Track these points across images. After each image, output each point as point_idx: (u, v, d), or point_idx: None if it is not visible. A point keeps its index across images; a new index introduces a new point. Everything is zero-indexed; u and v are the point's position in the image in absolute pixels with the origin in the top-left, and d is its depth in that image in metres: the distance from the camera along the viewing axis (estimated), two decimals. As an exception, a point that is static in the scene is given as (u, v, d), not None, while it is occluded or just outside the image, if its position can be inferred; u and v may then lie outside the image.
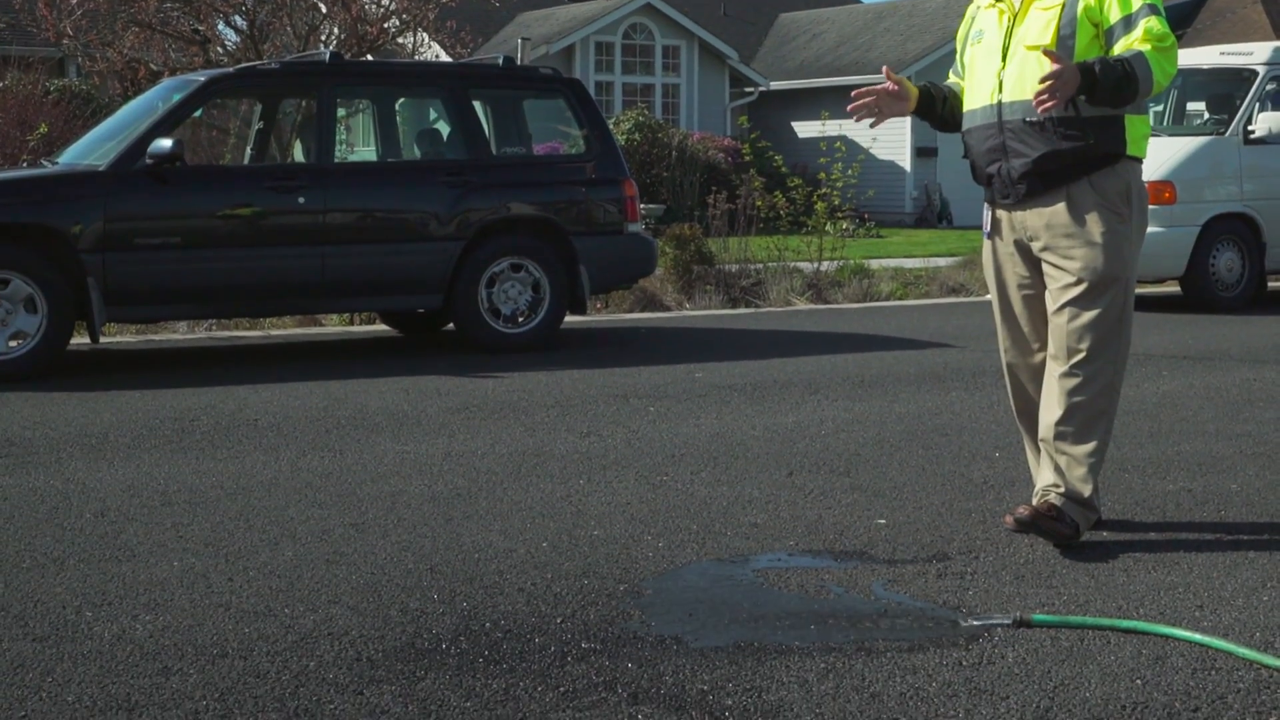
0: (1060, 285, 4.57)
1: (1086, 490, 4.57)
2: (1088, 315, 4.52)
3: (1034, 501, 4.67)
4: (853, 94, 4.80)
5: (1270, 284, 13.04)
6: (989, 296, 4.97)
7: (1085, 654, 3.61)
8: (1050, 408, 4.60)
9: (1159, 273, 12.19)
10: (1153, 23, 4.43)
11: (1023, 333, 4.77)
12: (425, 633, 3.80)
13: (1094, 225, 4.53)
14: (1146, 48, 4.38)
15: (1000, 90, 4.60)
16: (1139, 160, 4.63)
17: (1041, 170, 4.55)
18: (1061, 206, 4.56)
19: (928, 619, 3.91)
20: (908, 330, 10.66)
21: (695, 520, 4.99)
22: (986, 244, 4.85)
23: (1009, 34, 4.61)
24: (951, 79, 5.01)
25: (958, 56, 4.94)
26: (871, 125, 4.91)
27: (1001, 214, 4.74)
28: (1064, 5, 4.52)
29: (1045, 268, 4.63)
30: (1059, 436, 4.57)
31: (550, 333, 9.59)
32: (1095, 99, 4.41)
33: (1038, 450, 4.76)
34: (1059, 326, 4.57)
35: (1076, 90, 4.33)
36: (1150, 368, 8.56)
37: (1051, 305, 4.61)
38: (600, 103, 25.53)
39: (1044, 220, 4.60)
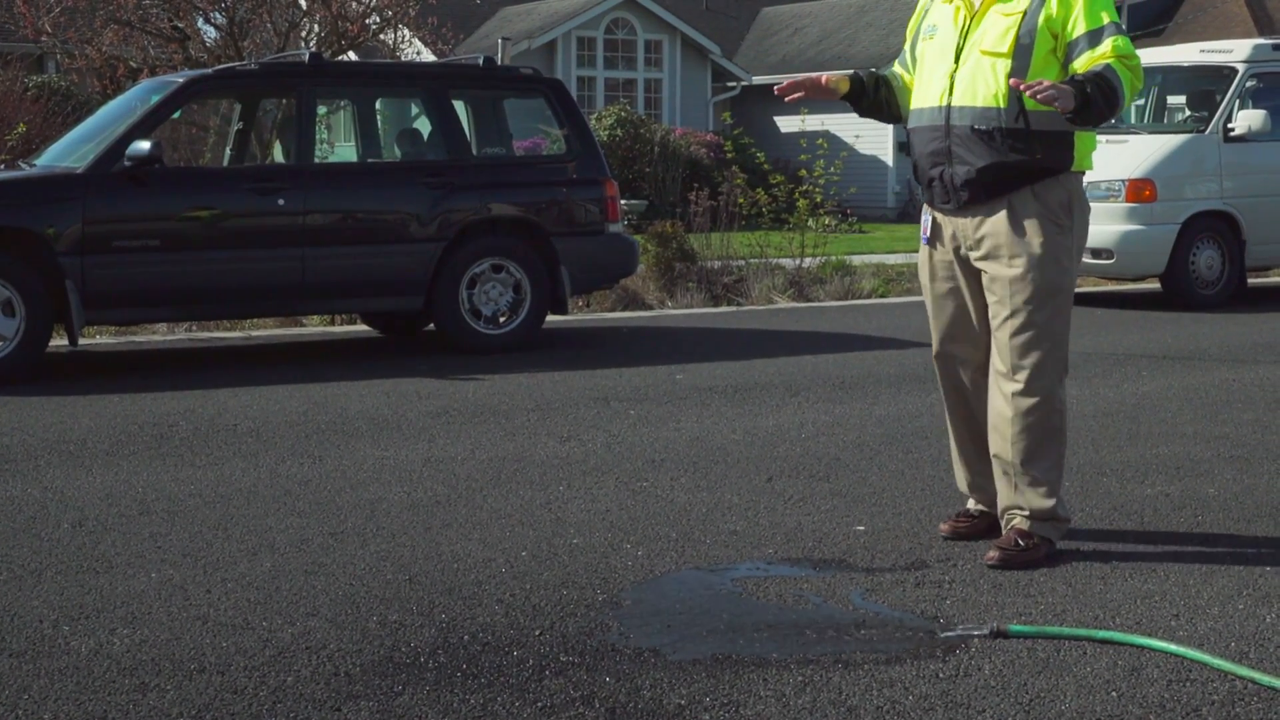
0: (1001, 297, 4.50)
1: (1051, 504, 4.55)
2: (1032, 329, 4.47)
3: (999, 516, 4.66)
4: (785, 83, 4.74)
5: (1250, 281, 13.07)
6: (923, 299, 4.91)
7: (1061, 665, 3.63)
8: (1003, 428, 4.55)
9: (1139, 270, 12.22)
10: (1120, 41, 4.39)
11: (961, 334, 4.69)
12: (403, 646, 3.80)
13: (1035, 236, 4.48)
14: (1114, 61, 4.34)
15: (950, 93, 4.53)
16: (1082, 173, 4.59)
17: (984, 180, 4.49)
18: (1003, 215, 4.50)
19: (905, 630, 3.92)
20: (889, 329, 10.67)
21: (674, 528, 4.99)
22: (924, 249, 4.76)
23: (964, 34, 4.53)
24: (895, 68, 4.89)
25: (906, 48, 4.83)
26: (789, 99, 4.79)
27: (941, 220, 4.66)
28: (1025, 13, 4.45)
29: (985, 279, 4.56)
30: (1020, 459, 4.53)
31: (531, 333, 9.58)
32: (1084, 118, 4.34)
33: (971, 452, 4.76)
34: (1002, 342, 4.51)
35: (1073, 106, 4.24)
36: (1130, 368, 8.59)
37: (994, 319, 4.54)
38: (582, 98, 25.50)
39: (985, 229, 4.53)
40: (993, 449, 4.61)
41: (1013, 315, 4.48)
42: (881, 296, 13.61)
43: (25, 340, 8.23)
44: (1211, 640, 3.80)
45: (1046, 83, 4.26)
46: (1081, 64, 4.39)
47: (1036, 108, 4.40)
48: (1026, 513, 4.54)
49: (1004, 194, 4.49)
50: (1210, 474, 5.75)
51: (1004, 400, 4.54)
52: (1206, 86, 12.52)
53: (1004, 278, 4.49)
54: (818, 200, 14.83)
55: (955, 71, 4.53)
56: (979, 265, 4.57)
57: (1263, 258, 12.56)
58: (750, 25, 31.38)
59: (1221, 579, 4.34)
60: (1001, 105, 4.44)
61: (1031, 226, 4.48)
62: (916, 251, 16.74)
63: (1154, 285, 12.66)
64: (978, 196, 4.51)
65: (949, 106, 4.53)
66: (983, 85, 4.47)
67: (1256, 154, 12.11)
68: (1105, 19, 4.42)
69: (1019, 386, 4.50)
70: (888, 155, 26.42)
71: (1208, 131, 12.08)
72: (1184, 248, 11.88)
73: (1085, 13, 4.40)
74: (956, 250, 4.63)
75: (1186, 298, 11.92)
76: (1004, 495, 4.61)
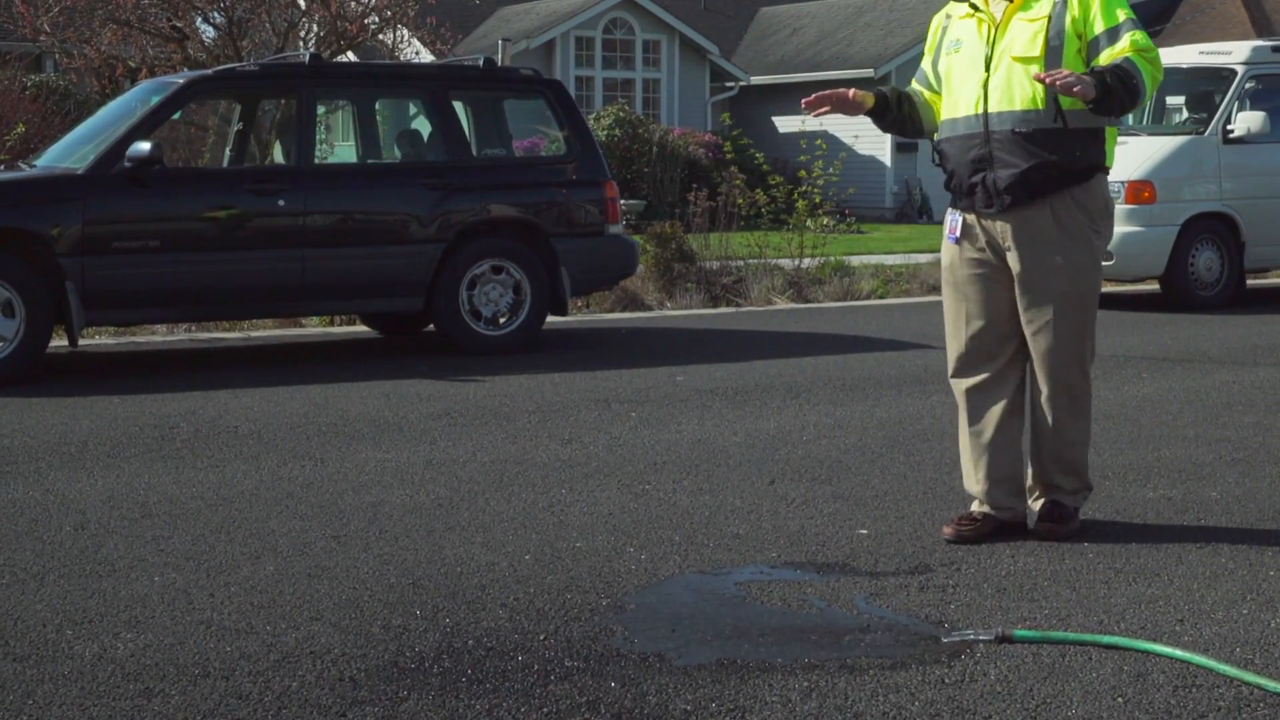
0: (1038, 299, 4.69)
1: (1081, 480, 4.87)
2: (1072, 331, 4.71)
3: (1031, 489, 4.91)
4: (813, 97, 4.82)
5: (1249, 283, 13.07)
6: (940, 298, 5.08)
7: (1067, 671, 3.62)
8: (1041, 413, 4.81)
9: (1138, 272, 12.21)
10: (1138, 35, 4.58)
11: (988, 329, 4.81)
12: (408, 651, 3.79)
13: (1074, 241, 4.68)
14: (1133, 55, 4.52)
15: (986, 101, 4.68)
16: (1107, 172, 4.78)
17: (1028, 181, 4.63)
18: (1044, 221, 4.67)
19: (910, 634, 3.92)
20: (889, 330, 10.67)
21: (677, 531, 4.99)
22: (950, 248, 4.87)
23: (992, 44, 4.68)
24: (915, 86, 5.02)
25: (927, 65, 4.96)
26: (814, 115, 4.89)
27: (972, 219, 4.79)
28: (1050, 17, 4.62)
29: (1020, 279, 4.72)
30: (1057, 445, 4.81)
31: (531, 334, 9.57)
32: (1104, 107, 4.50)
33: (984, 447, 4.86)
34: (1043, 344, 4.73)
35: (1093, 94, 4.42)
36: (1130, 370, 8.58)
37: (1030, 319, 4.73)
38: (580, 98, 25.47)
39: (1024, 232, 4.69)
40: (1038, 433, 4.85)
41: (1053, 320, 4.70)
42: (880, 298, 13.61)
43: (25, 341, 8.22)
44: (1216, 645, 3.80)
45: (1067, 71, 4.45)
46: (1103, 60, 4.56)
47: (1071, 106, 4.58)
48: (1062, 488, 4.83)
49: (1046, 195, 4.65)
50: (1213, 477, 5.75)
51: (1041, 389, 4.78)
52: (1206, 88, 12.52)
53: (1042, 280, 4.68)
54: (816, 201, 14.83)
55: (988, 80, 4.68)
56: (1014, 265, 4.73)
57: (1262, 259, 12.57)
58: (748, 25, 31.37)
59: (1226, 583, 4.34)
60: (1040, 107, 4.62)
61: (1072, 232, 4.68)
62: (915, 253, 16.65)
63: (1153, 287, 12.66)
64: (1021, 198, 4.67)
65: (986, 113, 4.68)
66: (1019, 90, 4.63)
67: (1256, 156, 12.12)
68: (1121, 16, 4.61)
69: (1056, 377, 4.74)
70: (886, 156, 26.41)
71: (1207, 133, 12.08)
72: (1183, 249, 11.89)
73: (1102, 11, 4.60)
74: (990, 246, 4.77)
75: (1185, 299, 11.93)
76: (1039, 471, 4.87)
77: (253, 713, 3.39)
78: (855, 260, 15.21)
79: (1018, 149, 4.63)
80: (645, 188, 22.75)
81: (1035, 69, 4.57)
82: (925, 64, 4.97)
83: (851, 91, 4.87)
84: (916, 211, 26.07)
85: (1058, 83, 4.41)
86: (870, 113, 4.93)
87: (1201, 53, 13.00)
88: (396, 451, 6.34)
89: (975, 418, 4.88)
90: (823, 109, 4.80)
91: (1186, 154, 11.99)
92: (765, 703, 3.44)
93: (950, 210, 4.87)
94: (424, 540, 4.87)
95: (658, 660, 3.72)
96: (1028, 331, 4.75)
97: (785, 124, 26.64)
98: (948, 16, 4.89)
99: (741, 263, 13.55)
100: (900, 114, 4.95)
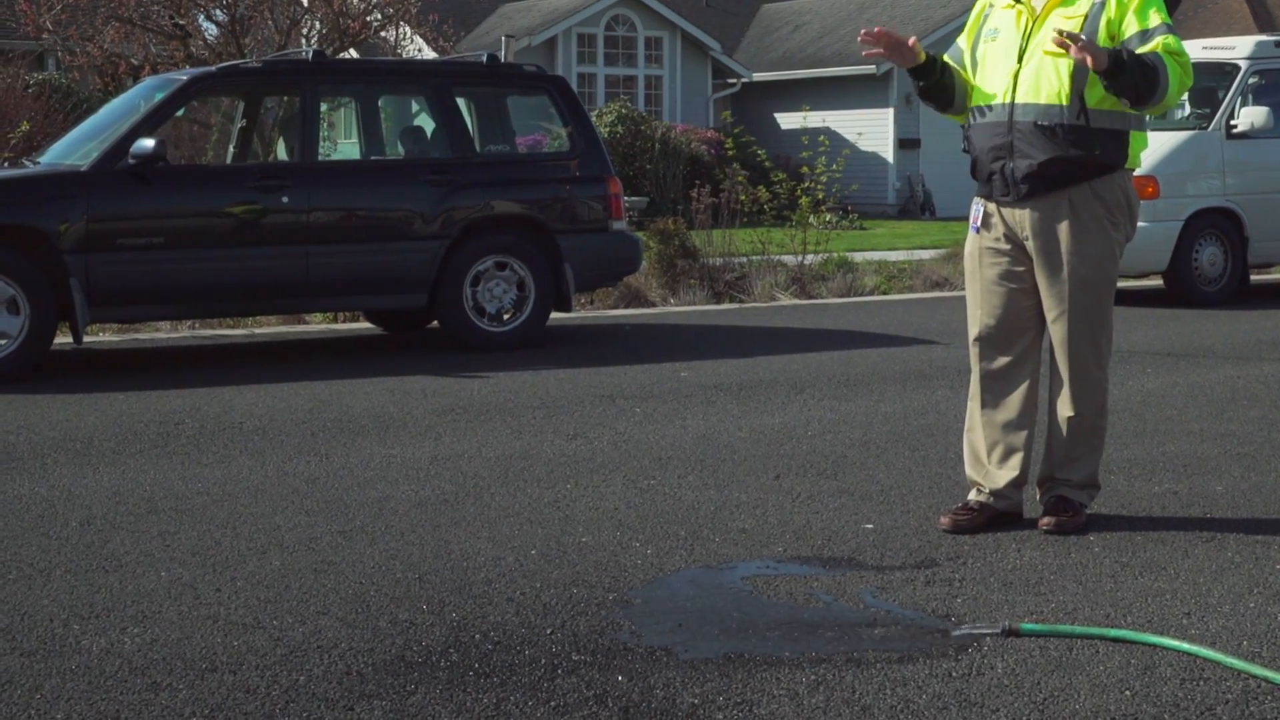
0: (1058, 291, 4.76)
1: (1091, 477, 4.90)
2: (1087, 321, 4.77)
3: (1040, 482, 4.95)
4: (875, 30, 4.79)
5: (1253, 278, 13.07)
6: (964, 292, 5.11)
7: (1074, 664, 3.63)
8: (1062, 408, 4.84)
9: (1142, 267, 12.21)
10: (1170, 39, 4.61)
11: (1007, 318, 4.86)
12: (415, 645, 3.80)
13: (1092, 233, 4.73)
14: (1160, 53, 4.55)
15: (1014, 91, 4.73)
16: (1133, 170, 4.81)
17: (1045, 173, 4.69)
18: (1062, 211, 4.73)
19: (917, 628, 3.92)
20: (892, 326, 10.66)
21: (683, 526, 4.99)
22: (973, 237, 4.93)
23: (1027, 37, 4.74)
24: (947, 60, 5.02)
25: (965, 47, 4.97)
26: (867, 55, 4.86)
27: (993, 209, 4.85)
28: (1088, 16, 4.66)
29: (1040, 270, 4.78)
30: (1071, 441, 4.84)
31: (535, 331, 9.58)
32: (1118, 84, 4.49)
33: (992, 436, 4.91)
34: (1059, 333, 4.79)
35: (1105, 65, 4.42)
36: (1134, 365, 8.59)
37: (1050, 310, 4.80)
38: (583, 95, 25.46)
39: (1042, 221, 4.75)
40: (1052, 424, 4.90)
41: (1069, 311, 4.76)
42: (884, 294, 13.61)
43: (30, 338, 8.22)
44: (1223, 639, 3.80)
45: (1085, 38, 4.45)
46: None
47: (1096, 105, 4.64)
48: (1071, 481, 4.86)
49: (1063, 188, 4.71)
50: (1218, 471, 5.75)
51: (1059, 382, 4.83)
52: (1209, 83, 12.49)
53: (1061, 271, 4.75)
54: (819, 197, 14.82)
55: (1019, 71, 4.73)
56: (1033, 254, 4.78)
57: (1265, 254, 12.56)
58: (750, 22, 31.35)
59: (1232, 577, 4.34)
60: (1064, 103, 4.67)
61: (1090, 224, 4.73)
62: (918, 249, 16.63)
63: (1157, 282, 12.66)
64: (1037, 189, 4.73)
65: (1013, 104, 4.74)
66: (1046, 84, 4.68)
67: (1259, 151, 12.11)
68: (1156, 20, 4.65)
69: (1076, 376, 4.80)
70: (888, 152, 26.40)
71: (1210, 128, 12.07)
72: (1187, 245, 11.89)
73: (1137, 14, 4.65)
74: (1010, 237, 4.82)
75: (1189, 295, 11.92)
76: (1050, 465, 4.91)
77: (260, 707, 3.39)
78: (858, 256, 15.20)
79: (1038, 141, 4.68)
80: (648, 185, 22.74)
81: (1065, 64, 4.61)
82: (962, 41, 4.99)
83: (911, 40, 4.84)
84: (919, 208, 26.05)
85: (1069, 40, 4.38)
86: (918, 70, 4.86)
87: (1205, 48, 12.97)
88: (401, 447, 6.34)
89: (990, 403, 4.92)
90: (877, 49, 4.76)
91: (1190, 149, 11.99)
92: (773, 696, 3.44)
93: (975, 200, 4.93)
94: (430, 535, 4.88)
95: (664, 654, 3.72)
96: (1048, 319, 4.83)
97: (787, 120, 26.61)
98: (989, 4, 4.92)
99: (745, 259, 13.55)
100: (942, 80, 4.91)
